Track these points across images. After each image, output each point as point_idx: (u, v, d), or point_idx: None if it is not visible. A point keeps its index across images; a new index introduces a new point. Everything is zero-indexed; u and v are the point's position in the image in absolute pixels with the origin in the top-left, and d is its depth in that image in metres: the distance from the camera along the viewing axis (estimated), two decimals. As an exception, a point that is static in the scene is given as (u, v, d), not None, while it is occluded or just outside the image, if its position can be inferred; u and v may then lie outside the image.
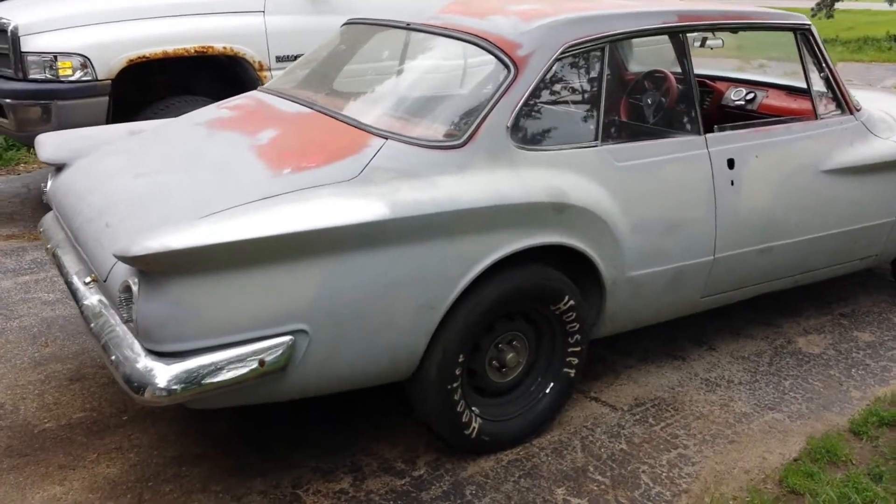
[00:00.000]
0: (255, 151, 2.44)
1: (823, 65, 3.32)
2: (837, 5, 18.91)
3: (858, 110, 3.44)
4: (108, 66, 4.19)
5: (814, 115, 3.29)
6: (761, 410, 3.01)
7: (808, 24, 3.28)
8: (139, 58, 4.26)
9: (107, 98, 4.21)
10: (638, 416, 2.96)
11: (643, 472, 2.64)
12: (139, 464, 2.56)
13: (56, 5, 4.34)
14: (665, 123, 2.94)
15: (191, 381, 1.96)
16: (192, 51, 4.38)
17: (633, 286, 2.82)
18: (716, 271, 3.03)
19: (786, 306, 3.87)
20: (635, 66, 4.39)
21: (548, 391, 2.77)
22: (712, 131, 2.98)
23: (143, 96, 4.47)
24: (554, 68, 2.60)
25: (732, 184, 2.98)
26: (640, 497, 2.51)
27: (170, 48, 4.33)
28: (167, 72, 4.50)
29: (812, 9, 17.67)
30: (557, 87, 2.74)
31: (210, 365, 1.99)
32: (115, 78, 4.23)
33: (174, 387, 1.94)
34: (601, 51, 2.70)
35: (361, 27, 3.21)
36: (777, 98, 3.91)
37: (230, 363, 2.03)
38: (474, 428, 2.58)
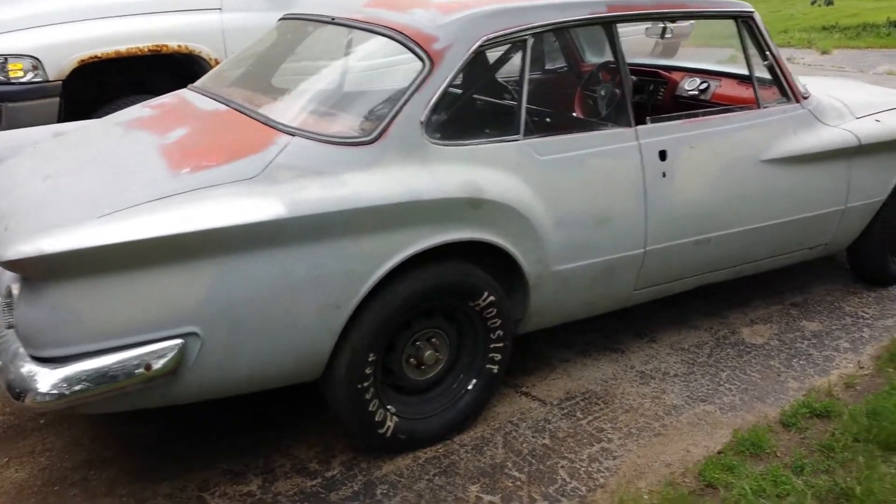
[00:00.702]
0: (160, 151, 2.43)
1: (767, 52, 3.29)
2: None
3: (806, 98, 3.40)
4: (59, 66, 4.19)
5: (756, 103, 3.25)
6: (693, 403, 2.99)
7: (751, 12, 3.24)
8: (91, 58, 4.26)
9: (58, 99, 4.21)
10: (566, 411, 2.94)
11: (562, 467, 2.63)
12: (48, 468, 2.57)
13: (6, 7, 4.35)
14: (594, 116, 2.91)
15: (72, 386, 1.96)
16: (146, 50, 4.38)
17: (560, 281, 2.80)
18: (649, 263, 3.01)
19: (736, 296, 3.84)
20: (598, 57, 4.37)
21: (470, 388, 2.75)
22: (644, 123, 2.95)
23: (101, 96, 4.47)
24: (472, 62, 2.57)
25: (664, 175, 2.95)
26: (555, 493, 2.50)
27: (122, 48, 4.32)
28: (124, 71, 4.50)
29: (812, -6, 17.49)
30: (476, 80, 2.71)
31: (93, 370, 1.99)
32: (66, 78, 4.24)
33: (55, 392, 1.94)
34: (523, 43, 2.67)
35: (295, 22, 3.19)
36: (730, 87, 3.87)
37: (115, 368, 2.02)
38: (389, 427, 2.57)
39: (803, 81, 3.69)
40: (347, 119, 2.53)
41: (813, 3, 17.41)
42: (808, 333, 3.53)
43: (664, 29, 3.42)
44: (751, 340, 3.46)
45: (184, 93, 3.07)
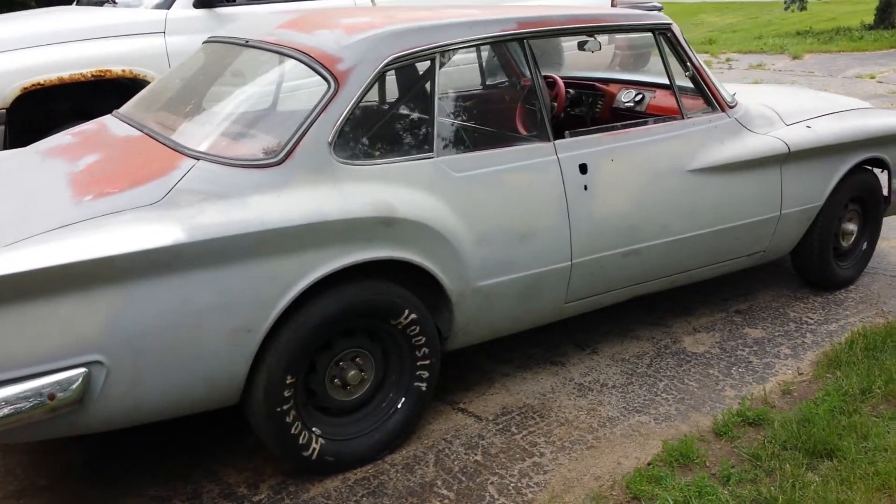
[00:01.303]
0: (68, 179, 2.44)
1: (688, 63, 3.30)
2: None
3: (732, 107, 3.42)
4: (1, 95, 4.19)
5: (679, 114, 3.26)
6: (628, 414, 2.99)
7: (668, 24, 3.26)
8: (34, 85, 4.25)
9: (2, 127, 4.21)
10: (501, 426, 2.93)
11: (491, 483, 2.62)
12: (-23, 499, 2.56)
13: (-51, 38, 4.36)
14: (512, 131, 2.92)
15: (-28, 417, 1.96)
16: (90, 75, 4.38)
17: (484, 296, 2.80)
18: (577, 276, 3.01)
19: (680, 305, 3.85)
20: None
21: (399, 406, 2.74)
22: (563, 137, 2.97)
23: (46, 123, 4.47)
24: (380, 81, 2.59)
25: (586, 189, 2.96)
26: (480, 510, 2.49)
27: (65, 74, 4.32)
28: (68, 97, 4.50)
29: (785, 1, 17.60)
30: (386, 99, 2.72)
31: (-5, 401, 1.98)
32: (10, 107, 4.24)
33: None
34: (432, 62, 2.68)
35: (215, 45, 3.21)
36: (664, 98, 3.89)
37: (18, 398, 2.01)
38: (315, 449, 2.56)
39: (735, 90, 3.73)
40: (254, 142, 2.53)
41: (786, 9, 17.52)
42: (749, 341, 3.53)
43: (582, 43, 3.42)
44: (692, 349, 3.47)
45: (106, 119, 3.08)
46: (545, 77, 3.99)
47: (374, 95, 2.68)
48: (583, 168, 2.95)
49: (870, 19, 16.56)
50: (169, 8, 4.80)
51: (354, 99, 2.52)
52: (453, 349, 2.93)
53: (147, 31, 4.60)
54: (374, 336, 2.67)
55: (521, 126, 2.90)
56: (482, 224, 2.73)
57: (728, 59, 12.87)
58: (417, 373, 2.74)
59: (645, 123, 3.16)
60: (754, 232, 3.50)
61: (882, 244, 4.39)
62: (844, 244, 3.98)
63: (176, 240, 2.15)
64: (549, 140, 2.92)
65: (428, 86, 2.69)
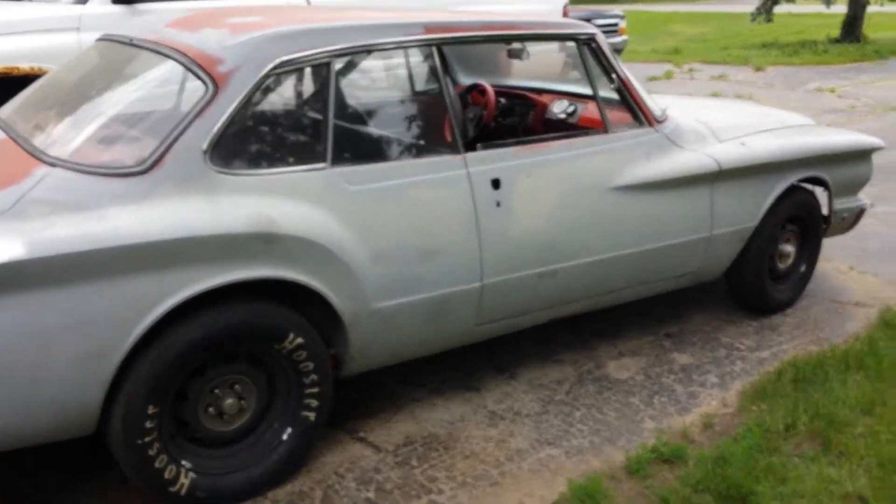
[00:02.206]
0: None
1: (614, 76, 3.12)
2: (787, 8, 18.88)
3: (661, 121, 3.25)
4: None
5: (603, 128, 3.09)
6: (539, 446, 2.80)
7: (593, 33, 3.08)
8: (-65, 81, 4.01)
9: None
10: (401, 458, 2.73)
11: (379, 524, 2.42)
12: None
13: None
14: (418, 142, 2.72)
15: None
16: (-4, 72, 4.14)
17: (382, 319, 2.60)
18: (488, 298, 2.82)
19: (608, 326, 3.67)
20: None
21: (285, 438, 2.53)
22: (475, 149, 2.78)
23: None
24: (265, 85, 2.38)
25: (499, 205, 2.77)
26: (360, 555, 2.29)
27: (-30, 71, 4.08)
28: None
29: (752, 13, 17.61)
30: (273, 105, 2.52)
31: None
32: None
33: None
34: (327, 67, 2.48)
35: (105, 43, 2.98)
36: (597, 110, 3.71)
37: None
38: (183, 484, 2.34)
39: (670, 103, 3.56)
40: (120, 148, 2.31)
41: (753, 20, 17.53)
42: (676, 367, 3.36)
43: (515, 49, 3.25)
44: (615, 375, 3.29)
45: (-15, 119, 2.84)
46: (475, 85, 3.82)
47: (263, 101, 2.46)
48: (496, 183, 2.76)
49: (836, 33, 16.63)
50: (85, 3, 4.56)
51: (235, 104, 2.31)
52: (352, 374, 2.73)
53: (60, 28, 4.37)
54: (257, 361, 2.45)
55: (429, 137, 2.70)
56: (381, 241, 2.53)
57: (691, 70, 12.80)
58: (305, 401, 2.53)
59: (565, 137, 2.98)
60: (682, 253, 3.33)
61: (822, 265, 4.25)
62: (781, 266, 3.82)
63: (14, 256, 1.93)
64: (458, 153, 2.72)
65: (323, 92, 2.48)
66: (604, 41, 3.10)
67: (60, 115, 2.56)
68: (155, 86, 2.54)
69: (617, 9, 12.56)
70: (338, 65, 2.49)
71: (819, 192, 3.88)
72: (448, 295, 2.71)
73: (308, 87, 2.58)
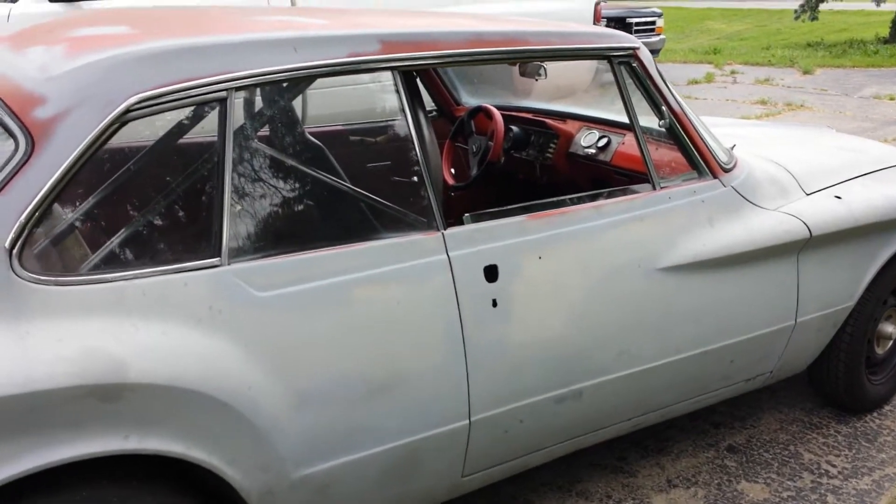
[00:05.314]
0: None
1: (664, 108, 2.20)
2: (830, 6, 17.69)
3: (729, 170, 2.33)
4: None
5: (650, 183, 2.17)
6: None
7: (633, 48, 2.15)
8: None
9: None
10: None
11: None
12: None
13: None
14: (369, 216, 1.81)
15: None
16: None
17: (313, 491, 1.72)
18: (479, 439, 1.93)
19: (649, 434, 2.75)
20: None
21: None
22: (461, 223, 1.88)
23: None
24: (110, 138, 1.49)
25: (495, 304, 1.87)
26: None
27: None
28: None
29: (795, 10, 16.46)
30: (129, 170, 1.62)
31: None
32: None
33: None
34: (220, 106, 1.59)
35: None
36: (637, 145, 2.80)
37: None
38: None
39: (730, 134, 2.64)
40: None
41: (796, 18, 16.37)
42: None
43: (531, 66, 2.36)
44: (663, 520, 2.37)
45: None
46: (479, 108, 2.93)
47: (111, 163, 1.58)
48: (491, 272, 1.87)
49: (885, 32, 15.46)
50: (15, 1, 3.74)
51: (62, 170, 1.44)
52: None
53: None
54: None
55: (387, 208, 1.80)
56: (308, 375, 1.65)
57: (733, 72, 11.75)
58: None
59: (592, 198, 2.06)
60: (757, 350, 2.41)
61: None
62: (880, 352, 2.88)
63: None
64: (435, 229, 1.83)
65: (215, 146, 1.59)
66: (649, 58, 2.18)
67: None
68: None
69: (653, 5, 11.55)
70: (238, 101, 1.60)
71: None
72: (417, 444, 1.83)
73: (190, 137, 1.67)
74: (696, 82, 10.69)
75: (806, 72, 11.62)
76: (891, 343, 2.90)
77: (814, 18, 15.97)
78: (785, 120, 8.10)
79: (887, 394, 2.96)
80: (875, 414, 2.92)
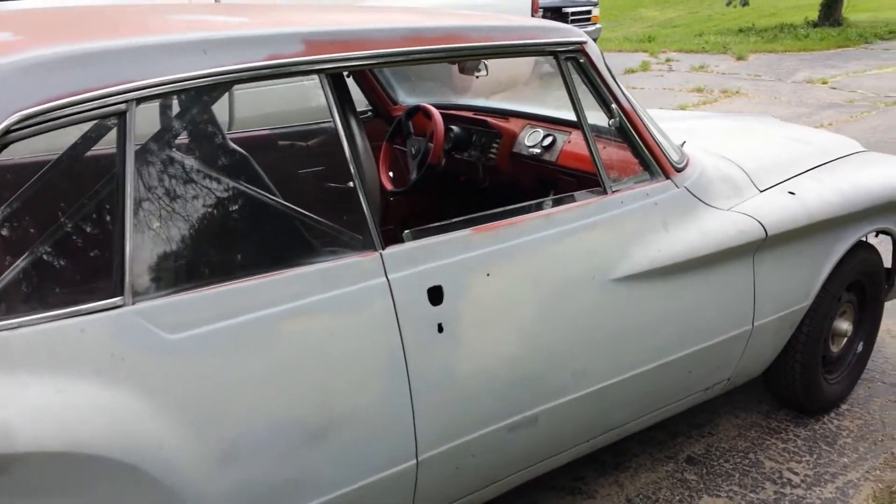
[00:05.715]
0: None
1: (614, 106, 2.06)
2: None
3: (681, 169, 2.20)
4: None
5: (601, 186, 2.02)
6: None
7: (580, 43, 2.00)
8: None
9: None
10: None
11: None
12: None
13: None
14: (295, 238, 1.62)
15: None
16: None
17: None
18: (428, 479, 1.76)
19: (607, 449, 2.61)
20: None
21: None
22: (400, 240, 1.70)
23: None
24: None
25: (441, 330, 1.70)
26: None
27: None
28: None
29: (726, -3, 16.68)
30: (10, 199, 1.40)
31: None
32: None
33: None
34: (118, 120, 1.38)
35: None
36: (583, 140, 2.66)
37: None
38: None
39: (676, 128, 2.52)
40: None
41: (728, 4, 16.57)
42: (709, 520, 2.33)
43: (470, 64, 2.20)
44: (622, 543, 2.24)
45: None
46: (418, 107, 2.76)
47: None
48: (435, 294, 1.70)
49: (814, 15, 15.74)
50: None
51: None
52: None
53: None
54: None
55: (318, 227, 1.61)
56: (233, 426, 1.46)
57: (668, 60, 11.79)
58: None
59: (541, 206, 1.91)
60: (715, 358, 2.30)
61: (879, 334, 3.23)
62: (835, 350, 2.81)
63: None
64: (372, 248, 1.65)
65: (112, 166, 1.38)
66: (597, 53, 2.03)
67: None
68: None
69: (586, -6, 11.48)
70: (140, 115, 1.39)
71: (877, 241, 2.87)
72: (360, 491, 1.65)
73: (85, 157, 1.45)
74: (633, 71, 10.68)
75: (739, 58, 11.73)
76: (845, 340, 2.83)
77: (745, 4, 16.19)
78: (722, 107, 8.11)
79: (843, 392, 2.89)
80: (833, 414, 2.85)
